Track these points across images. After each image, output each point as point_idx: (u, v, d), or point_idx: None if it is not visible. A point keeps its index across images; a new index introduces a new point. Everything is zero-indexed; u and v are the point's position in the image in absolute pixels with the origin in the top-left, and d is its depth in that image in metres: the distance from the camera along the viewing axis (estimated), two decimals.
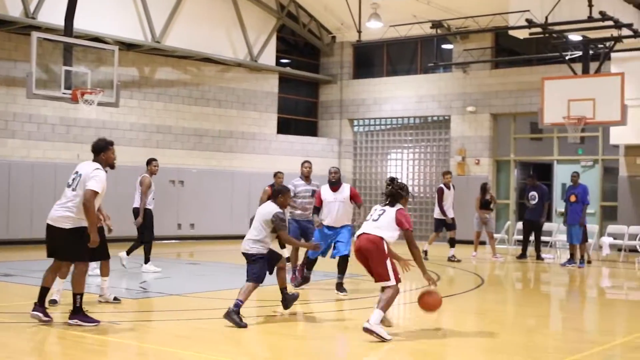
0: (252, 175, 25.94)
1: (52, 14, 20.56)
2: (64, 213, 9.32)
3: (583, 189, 18.83)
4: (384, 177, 28.32)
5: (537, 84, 22.02)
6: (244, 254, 10.13)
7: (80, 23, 20.14)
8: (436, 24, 24.74)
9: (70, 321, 9.33)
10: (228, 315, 9.60)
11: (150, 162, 15.55)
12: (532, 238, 20.62)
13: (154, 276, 14.76)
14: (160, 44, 23.62)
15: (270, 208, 10.18)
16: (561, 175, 24.42)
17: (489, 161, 26.02)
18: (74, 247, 9.35)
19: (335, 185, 13.05)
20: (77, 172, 9.52)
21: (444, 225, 20.06)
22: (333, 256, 12.97)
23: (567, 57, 22.03)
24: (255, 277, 9.96)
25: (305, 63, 29.62)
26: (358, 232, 9.39)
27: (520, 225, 21.96)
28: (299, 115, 29.96)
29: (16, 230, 21.00)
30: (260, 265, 10.01)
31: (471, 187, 25.74)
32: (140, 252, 15.32)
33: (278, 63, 27.87)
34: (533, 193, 20.40)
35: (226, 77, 26.34)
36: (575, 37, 21.13)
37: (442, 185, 20.14)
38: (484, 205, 20.64)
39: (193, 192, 24.69)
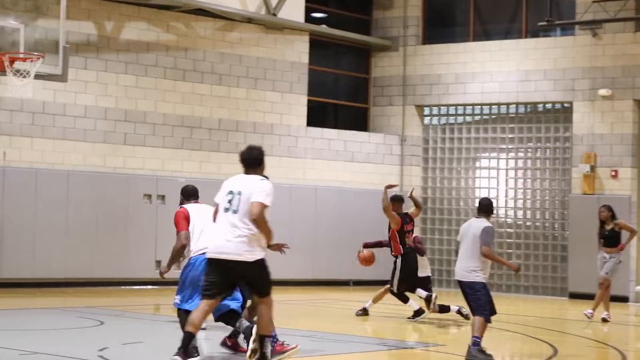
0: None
1: None
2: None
3: None
4: (469, 195, 28.01)
5: None
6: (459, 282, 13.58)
7: None
8: None
9: None
10: (470, 355, 13.03)
11: None
12: None
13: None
14: None
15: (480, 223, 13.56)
16: None
17: (633, 172, 25.65)
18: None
19: None
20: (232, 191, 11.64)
21: None
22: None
23: None
24: (484, 311, 13.33)
25: (350, 19, 29.46)
26: None
27: None
28: (341, 98, 29.82)
29: None
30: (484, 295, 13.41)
31: None
32: None
33: (309, 19, 27.68)
34: None
35: (230, 38, 26.15)
36: None
37: None
38: (606, 239, 20.13)
39: None
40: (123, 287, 23.35)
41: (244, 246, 11.33)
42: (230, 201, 11.50)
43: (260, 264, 11.45)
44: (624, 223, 20.46)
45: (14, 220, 21.68)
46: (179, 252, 13.10)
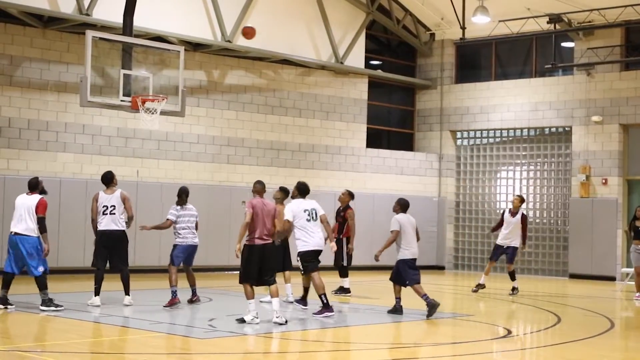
0: (338, 195, 25.66)
1: (109, 10, 20.77)
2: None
3: None
4: (492, 199, 27.93)
5: None
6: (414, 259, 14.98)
7: (141, 20, 20.20)
8: (554, 18, 24.20)
9: None
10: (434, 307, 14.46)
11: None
12: None
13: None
14: (232, 43, 23.64)
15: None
16: None
17: (619, 181, 25.33)
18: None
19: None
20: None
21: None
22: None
23: None
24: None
25: (399, 65, 29.39)
26: None
27: None
28: (393, 126, 29.75)
29: (67, 258, 21.18)
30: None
31: (597, 212, 25.26)
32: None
33: (368, 65, 27.70)
34: None
35: (307, 81, 26.27)
36: None
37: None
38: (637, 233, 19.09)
39: None
40: (226, 272, 23.55)
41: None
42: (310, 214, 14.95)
43: None
44: None
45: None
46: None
